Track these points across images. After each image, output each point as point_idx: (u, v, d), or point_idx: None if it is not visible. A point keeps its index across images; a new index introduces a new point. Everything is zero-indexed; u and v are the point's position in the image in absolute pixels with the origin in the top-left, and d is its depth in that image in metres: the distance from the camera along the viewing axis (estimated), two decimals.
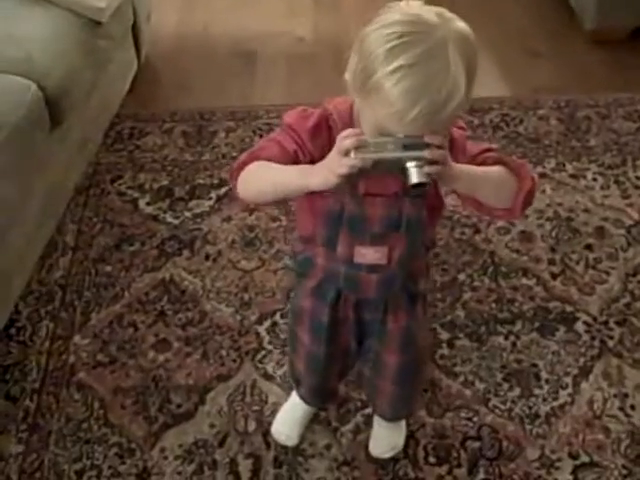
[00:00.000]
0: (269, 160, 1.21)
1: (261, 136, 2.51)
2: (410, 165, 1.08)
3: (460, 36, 1.10)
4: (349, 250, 1.31)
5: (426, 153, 1.08)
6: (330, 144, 1.15)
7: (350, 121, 1.22)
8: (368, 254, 1.30)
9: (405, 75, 1.05)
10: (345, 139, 1.09)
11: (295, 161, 1.22)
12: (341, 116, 1.23)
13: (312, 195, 1.23)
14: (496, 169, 1.23)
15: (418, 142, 1.08)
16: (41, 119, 1.94)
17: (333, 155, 1.10)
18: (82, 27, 2.15)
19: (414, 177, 1.08)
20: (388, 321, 1.44)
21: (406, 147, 1.08)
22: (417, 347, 1.51)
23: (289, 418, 1.77)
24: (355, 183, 1.22)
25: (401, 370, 1.52)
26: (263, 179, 1.23)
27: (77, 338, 1.96)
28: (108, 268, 2.13)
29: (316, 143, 1.23)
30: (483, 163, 1.24)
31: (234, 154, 2.47)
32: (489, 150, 1.28)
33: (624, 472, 1.70)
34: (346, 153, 1.08)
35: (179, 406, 1.82)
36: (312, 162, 1.20)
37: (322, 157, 1.15)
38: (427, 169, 1.08)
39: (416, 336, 1.49)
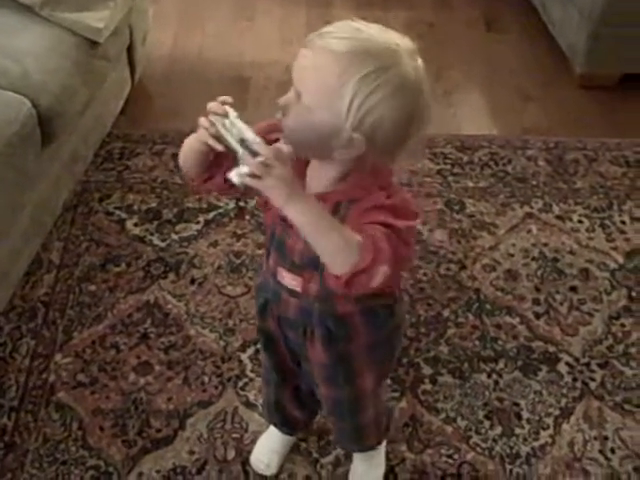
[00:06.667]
0: None
1: None
2: (240, 160, 1.05)
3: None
4: (275, 267, 1.33)
5: (245, 160, 1.04)
6: None
7: None
8: (287, 277, 1.31)
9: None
10: (215, 101, 1.13)
11: None
12: None
13: (264, 207, 1.29)
14: (346, 230, 1.07)
15: (252, 144, 1.04)
16: (33, 136, 1.93)
17: None
18: (79, 46, 2.15)
19: (232, 174, 1.05)
20: (308, 350, 1.40)
21: (242, 141, 1.05)
22: (350, 386, 1.45)
23: (268, 447, 1.75)
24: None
25: (332, 404, 1.52)
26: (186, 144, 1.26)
27: (58, 357, 1.94)
28: (92, 288, 2.12)
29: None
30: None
31: None
32: (381, 225, 1.10)
33: None
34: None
35: (158, 431, 1.80)
36: None
37: None
38: (245, 175, 1.04)
39: (341, 376, 1.43)
